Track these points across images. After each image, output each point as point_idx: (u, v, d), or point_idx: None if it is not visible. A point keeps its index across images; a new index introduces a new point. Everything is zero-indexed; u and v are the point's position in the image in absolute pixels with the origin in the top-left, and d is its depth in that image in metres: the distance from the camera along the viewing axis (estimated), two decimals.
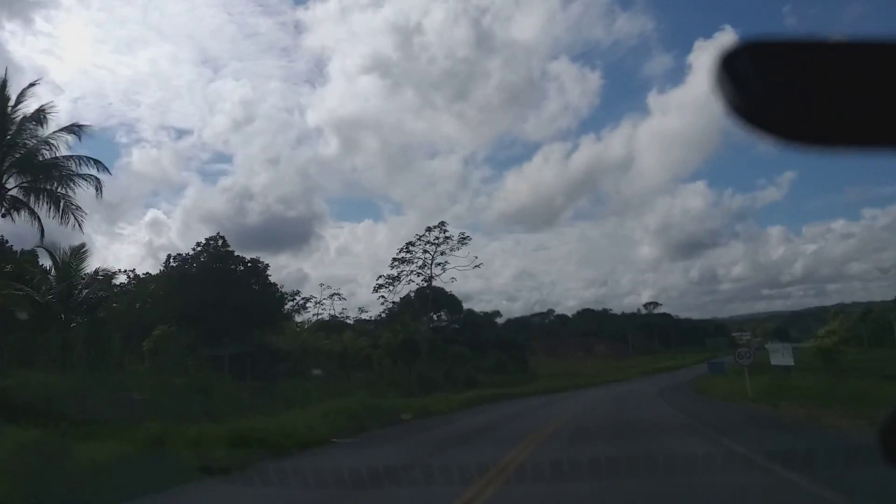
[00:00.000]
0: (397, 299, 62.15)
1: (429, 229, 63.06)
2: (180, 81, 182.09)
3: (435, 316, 67.49)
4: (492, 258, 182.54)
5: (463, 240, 61.73)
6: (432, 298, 60.52)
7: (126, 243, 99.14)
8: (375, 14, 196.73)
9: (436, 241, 61.18)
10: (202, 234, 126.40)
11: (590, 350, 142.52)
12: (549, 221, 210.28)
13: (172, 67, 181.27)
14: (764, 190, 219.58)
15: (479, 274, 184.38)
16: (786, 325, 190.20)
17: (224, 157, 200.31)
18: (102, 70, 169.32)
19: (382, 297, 62.20)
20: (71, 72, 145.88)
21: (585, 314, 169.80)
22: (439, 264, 60.48)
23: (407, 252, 62.23)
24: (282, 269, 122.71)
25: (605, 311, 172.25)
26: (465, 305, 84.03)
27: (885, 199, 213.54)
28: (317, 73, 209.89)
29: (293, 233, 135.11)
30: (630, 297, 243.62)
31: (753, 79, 0.91)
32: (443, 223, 62.80)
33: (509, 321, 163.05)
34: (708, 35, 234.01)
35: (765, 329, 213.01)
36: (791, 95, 0.92)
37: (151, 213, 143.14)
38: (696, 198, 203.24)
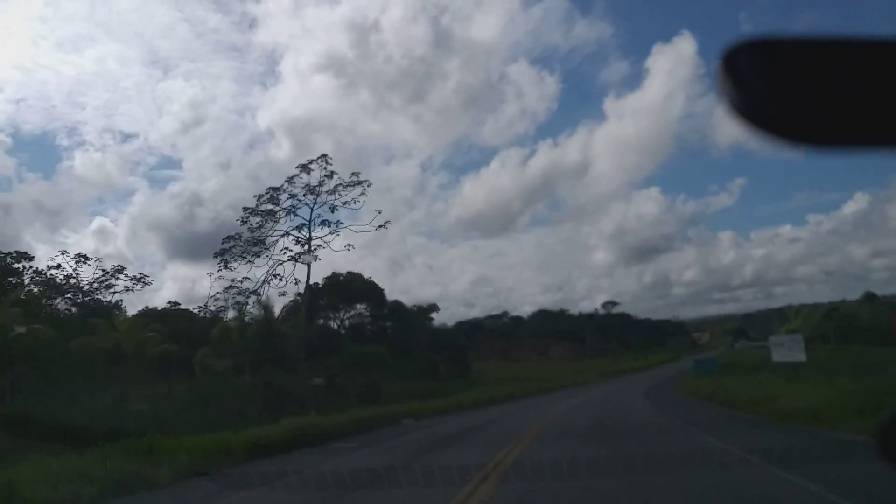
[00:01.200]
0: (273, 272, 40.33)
1: (303, 167, 41.55)
2: (129, 83, 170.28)
3: (360, 307, 53.72)
4: (449, 264, 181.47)
5: (357, 184, 41.02)
6: (340, 285, 47.00)
7: (71, 251, 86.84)
8: (331, 10, 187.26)
9: (315, 188, 41.20)
10: (149, 242, 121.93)
11: (545, 352, 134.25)
12: (506, 227, 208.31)
13: (120, 68, 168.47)
14: (716, 196, 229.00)
15: (437, 280, 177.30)
16: (741, 326, 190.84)
17: (173, 162, 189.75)
18: (46, 70, 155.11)
19: (224, 264, 40.52)
20: (10, 70, 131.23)
21: (541, 316, 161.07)
22: (325, 222, 40.85)
23: (271, 202, 41.57)
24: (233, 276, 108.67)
25: (561, 311, 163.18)
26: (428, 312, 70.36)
27: (829, 205, 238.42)
28: (269, 73, 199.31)
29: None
30: (585, 301, 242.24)
31: (755, 78, 0.88)
32: (325, 156, 41.56)
33: (460, 324, 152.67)
34: (667, 40, 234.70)
35: (723, 329, 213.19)
36: (793, 95, 0.89)
37: (98, 221, 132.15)
38: (650, 203, 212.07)
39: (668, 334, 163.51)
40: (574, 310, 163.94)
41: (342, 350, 37.87)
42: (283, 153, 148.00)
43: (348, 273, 46.62)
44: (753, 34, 0.91)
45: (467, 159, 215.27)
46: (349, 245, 41.31)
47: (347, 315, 51.82)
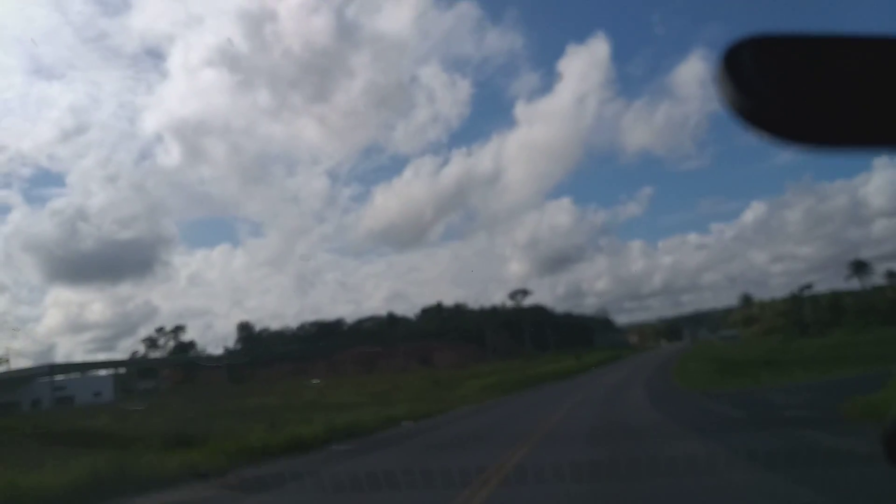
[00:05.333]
0: None
1: None
2: (10, 94, 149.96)
3: None
4: (363, 281, 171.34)
5: None
6: None
7: None
8: None
9: None
10: (25, 264, 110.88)
11: (429, 359, 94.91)
12: (419, 240, 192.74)
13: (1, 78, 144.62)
14: (625, 205, 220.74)
15: (350, 298, 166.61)
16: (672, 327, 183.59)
17: (54, 177, 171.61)
18: None
19: None
20: None
21: (432, 313, 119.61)
22: None
23: None
24: (126, 300, 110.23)
25: (458, 307, 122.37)
26: None
27: (730, 214, 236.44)
28: (156, 70, 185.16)
29: (137, 260, 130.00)
30: None
31: (755, 77, 0.87)
32: None
33: (304, 325, 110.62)
34: (581, 40, 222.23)
35: (654, 329, 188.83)
36: (793, 94, 0.87)
37: None
38: (562, 213, 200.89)
39: (595, 331, 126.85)
40: (476, 304, 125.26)
41: None
42: (172, 159, 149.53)
43: None
44: (753, 33, 0.87)
45: (378, 166, 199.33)
46: None
47: None
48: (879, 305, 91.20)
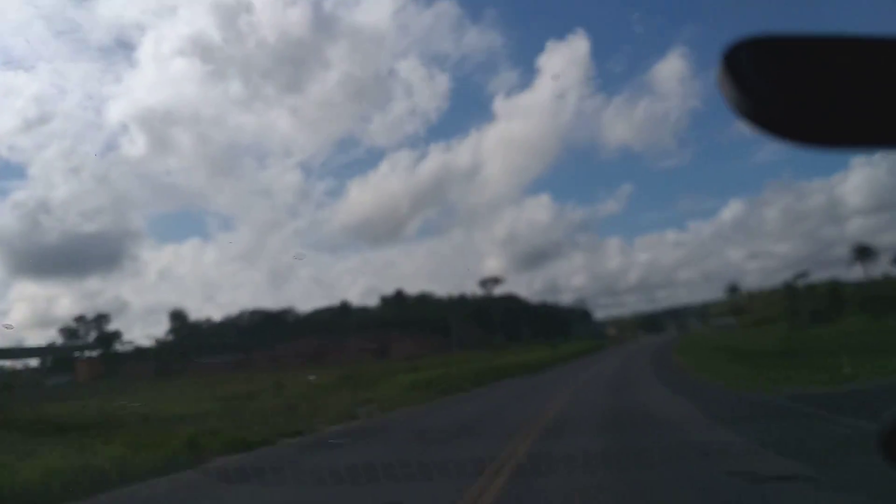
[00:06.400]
0: None
1: None
2: None
3: None
4: (337, 278, 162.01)
5: None
6: None
7: None
8: None
9: None
10: None
11: (386, 351, 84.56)
12: (394, 235, 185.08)
13: None
14: (604, 203, 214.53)
15: (326, 295, 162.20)
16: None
17: (15, 169, 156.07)
18: None
19: None
20: None
21: (394, 303, 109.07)
22: None
23: None
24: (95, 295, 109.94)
25: (423, 296, 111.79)
26: None
27: (707, 212, 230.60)
28: (125, 60, 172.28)
29: (106, 254, 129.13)
30: None
31: (755, 77, 0.87)
32: None
33: (244, 314, 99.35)
34: (561, 37, 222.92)
35: (632, 322, 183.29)
36: (794, 93, 0.87)
37: None
38: (540, 210, 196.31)
39: (573, 323, 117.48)
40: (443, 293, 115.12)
41: None
42: (138, 149, 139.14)
43: None
44: (754, 33, 0.88)
45: (353, 160, 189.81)
46: None
47: None
48: (885, 293, 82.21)
